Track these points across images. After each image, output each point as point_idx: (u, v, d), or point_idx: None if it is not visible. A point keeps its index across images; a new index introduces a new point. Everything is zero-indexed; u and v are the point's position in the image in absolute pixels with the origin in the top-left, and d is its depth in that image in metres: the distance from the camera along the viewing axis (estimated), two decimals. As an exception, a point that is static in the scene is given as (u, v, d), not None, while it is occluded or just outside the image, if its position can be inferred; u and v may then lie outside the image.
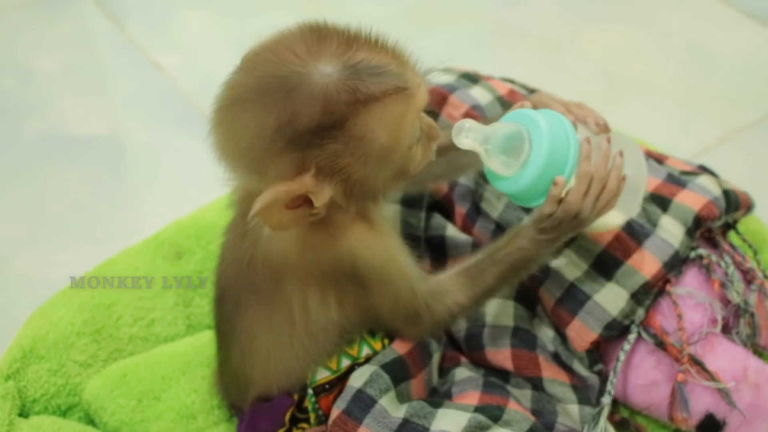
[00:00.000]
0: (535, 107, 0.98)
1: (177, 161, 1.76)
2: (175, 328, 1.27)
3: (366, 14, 2.01)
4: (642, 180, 1.03)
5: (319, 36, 0.84)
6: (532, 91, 1.39)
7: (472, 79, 1.35)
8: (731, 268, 1.18)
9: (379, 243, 0.96)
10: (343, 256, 0.95)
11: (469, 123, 0.89)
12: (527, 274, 1.03)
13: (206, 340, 1.22)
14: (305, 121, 0.81)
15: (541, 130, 0.90)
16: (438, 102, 1.30)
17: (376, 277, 0.97)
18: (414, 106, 0.86)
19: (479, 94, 1.32)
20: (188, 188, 1.70)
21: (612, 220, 1.05)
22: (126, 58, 2.01)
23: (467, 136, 0.89)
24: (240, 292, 1.03)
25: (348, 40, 0.84)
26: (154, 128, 1.82)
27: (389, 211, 1.15)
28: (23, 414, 1.12)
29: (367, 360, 1.07)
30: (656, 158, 1.30)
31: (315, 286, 0.98)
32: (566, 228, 0.97)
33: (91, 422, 1.17)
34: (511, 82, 1.42)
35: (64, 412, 1.16)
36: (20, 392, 1.12)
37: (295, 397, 1.07)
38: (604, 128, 1.00)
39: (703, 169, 1.29)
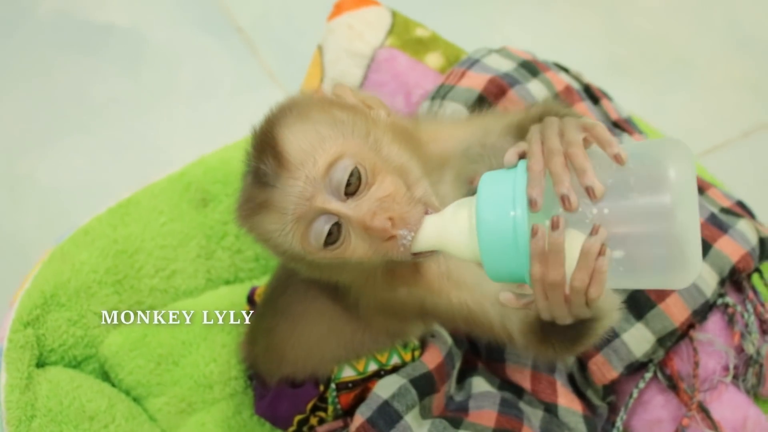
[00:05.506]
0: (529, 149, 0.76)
1: (199, 67, 1.68)
2: (195, 281, 1.26)
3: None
4: (673, 249, 0.70)
5: None
6: (586, 87, 1.35)
7: (531, 70, 1.30)
8: (752, 318, 1.20)
9: (440, 288, 0.95)
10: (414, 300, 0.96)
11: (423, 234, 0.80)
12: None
13: (227, 303, 1.23)
14: None
15: (480, 220, 0.73)
16: (496, 93, 1.26)
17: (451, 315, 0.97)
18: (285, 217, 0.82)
19: (537, 90, 1.28)
20: (210, 100, 1.64)
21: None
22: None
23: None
24: (314, 283, 1.02)
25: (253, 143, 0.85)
26: (178, 26, 1.73)
27: None
28: (39, 363, 1.11)
29: (394, 369, 1.09)
30: (698, 186, 1.29)
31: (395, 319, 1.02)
32: (566, 329, 0.80)
33: (104, 374, 1.17)
34: (566, 71, 1.38)
35: (78, 363, 1.16)
36: (38, 340, 1.10)
37: (321, 388, 1.09)
38: (594, 194, 0.70)
39: (742, 207, 1.29)
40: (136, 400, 1.16)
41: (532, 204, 0.70)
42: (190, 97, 1.63)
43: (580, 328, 0.82)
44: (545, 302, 0.75)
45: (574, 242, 0.71)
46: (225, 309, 1.21)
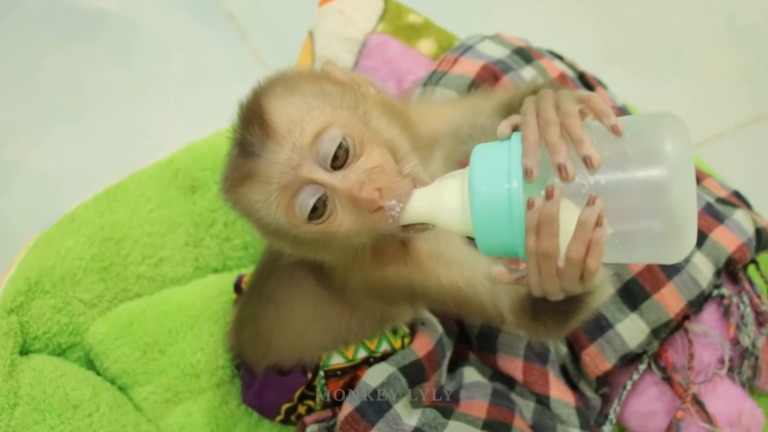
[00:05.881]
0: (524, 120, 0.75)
1: (190, 54, 1.66)
2: (182, 269, 1.23)
3: None
4: (667, 226, 0.69)
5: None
6: (581, 74, 1.34)
7: (525, 57, 1.28)
8: (747, 309, 1.19)
9: (430, 268, 0.94)
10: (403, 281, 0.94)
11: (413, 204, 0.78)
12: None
13: (215, 291, 1.20)
14: None
15: (473, 192, 0.72)
16: (489, 80, 1.24)
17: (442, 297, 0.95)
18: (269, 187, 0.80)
19: (531, 77, 1.26)
20: (201, 86, 1.62)
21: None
22: None
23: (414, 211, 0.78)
24: (299, 266, 1.00)
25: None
26: (169, 13, 1.71)
27: None
28: (23, 351, 1.09)
29: (384, 356, 1.06)
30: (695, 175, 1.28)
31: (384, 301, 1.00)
32: (560, 300, 0.78)
33: (89, 363, 1.15)
34: (560, 58, 1.36)
35: (63, 351, 1.13)
36: (22, 328, 1.08)
37: (309, 375, 1.08)
38: (591, 163, 0.68)
39: (738, 197, 1.27)
40: (121, 389, 1.14)
41: (527, 174, 0.69)
42: (180, 84, 1.61)
43: (571, 303, 0.80)
44: (538, 276, 0.74)
45: (569, 214, 0.70)
46: (212, 297, 1.18)
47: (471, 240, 0.76)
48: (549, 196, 0.68)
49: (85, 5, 1.67)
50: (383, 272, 0.94)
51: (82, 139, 1.51)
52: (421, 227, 0.80)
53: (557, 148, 0.69)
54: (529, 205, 0.69)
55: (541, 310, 0.85)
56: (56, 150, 1.49)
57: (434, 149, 0.95)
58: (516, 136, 0.73)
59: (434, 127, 0.95)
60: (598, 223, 0.68)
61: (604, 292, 0.82)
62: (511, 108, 0.92)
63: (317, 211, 0.80)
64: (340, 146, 0.78)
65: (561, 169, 0.68)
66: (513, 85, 1.22)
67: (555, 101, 0.73)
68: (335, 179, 0.78)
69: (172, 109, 1.57)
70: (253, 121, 0.79)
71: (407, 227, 0.80)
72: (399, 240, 0.92)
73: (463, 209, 0.74)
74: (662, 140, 0.68)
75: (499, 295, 0.91)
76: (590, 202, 0.68)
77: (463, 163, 1.03)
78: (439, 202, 0.76)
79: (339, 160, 0.79)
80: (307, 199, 0.79)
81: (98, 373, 1.14)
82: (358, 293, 0.98)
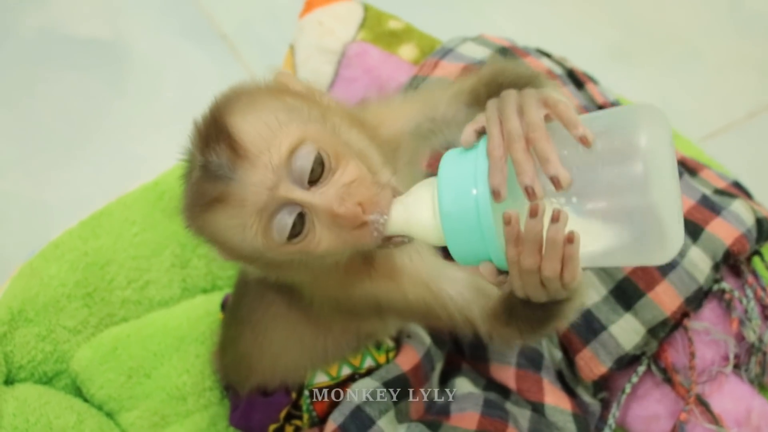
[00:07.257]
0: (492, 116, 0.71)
1: (182, 76, 1.66)
2: (170, 291, 1.22)
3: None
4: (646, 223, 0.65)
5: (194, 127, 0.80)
6: (570, 71, 1.30)
7: (508, 56, 1.25)
8: (752, 303, 1.14)
9: (395, 283, 0.91)
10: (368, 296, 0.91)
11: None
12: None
13: (201, 312, 1.18)
14: None
15: (441, 205, 0.70)
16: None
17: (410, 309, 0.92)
18: (244, 210, 0.75)
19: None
20: (196, 108, 1.61)
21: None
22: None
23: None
24: (268, 287, 0.97)
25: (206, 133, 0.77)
26: (161, 36, 1.71)
27: None
28: (8, 380, 1.08)
29: (369, 372, 1.04)
30: (690, 168, 1.23)
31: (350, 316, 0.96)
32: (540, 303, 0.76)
33: (77, 390, 1.14)
34: (548, 56, 1.33)
35: (50, 379, 1.13)
36: (6, 357, 1.08)
37: (293, 395, 1.05)
38: (559, 183, 0.64)
39: (738, 187, 1.23)
40: (109, 415, 1.12)
41: (495, 195, 0.65)
42: (175, 107, 1.61)
43: (548, 310, 0.76)
44: (520, 282, 0.71)
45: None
46: (199, 318, 1.17)
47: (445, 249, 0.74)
48: (533, 213, 0.65)
49: (78, 34, 1.68)
50: (348, 288, 0.90)
51: (78, 166, 1.51)
52: (399, 240, 0.77)
53: (523, 167, 0.65)
54: (506, 221, 0.65)
55: (514, 317, 0.81)
56: (52, 178, 1.49)
57: (398, 153, 0.92)
58: (483, 143, 0.70)
59: (394, 127, 0.91)
60: (569, 239, 0.65)
61: (583, 296, 0.78)
62: (475, 95, 0.87)
63: (295, 228, 0.76)
64: (315, 161, 0.75)
65: (528, 191, 0.64)
66: (472, 69, 1.18)
67: (518, 106, 0.69)
68: (313, 197, 0.75)
69: (168, 132, 1.56)
70: (219, 142, 0.74)
71: (386, 241, 0.77)
72: (363, 255, 0.88)
73: (435, 220, 0.71)
74: (636, 138, 0.64)
75: (469, 306, 0.87)
76: (554, 218, 0.64)
77: (427, 164, 1.00)
78: (413, 212, 0.73)
79: (315, 174, 0.75)
80: (286, 219, 0.75)
81: (86, 400, 1.13)
82: (324, 310, 0.94)
